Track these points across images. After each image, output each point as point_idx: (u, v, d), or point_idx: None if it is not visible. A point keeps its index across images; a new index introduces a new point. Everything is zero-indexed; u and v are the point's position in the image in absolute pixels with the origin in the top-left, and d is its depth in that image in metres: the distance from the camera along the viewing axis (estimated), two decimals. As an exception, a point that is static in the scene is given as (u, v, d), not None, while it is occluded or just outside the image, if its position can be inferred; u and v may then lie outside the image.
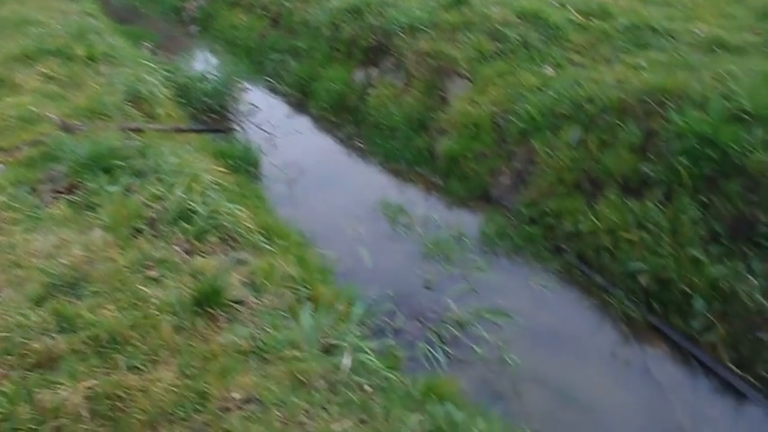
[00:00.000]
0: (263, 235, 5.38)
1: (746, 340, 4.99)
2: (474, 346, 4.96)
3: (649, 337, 5.24)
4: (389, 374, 3.97)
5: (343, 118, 9.24)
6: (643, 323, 5.32)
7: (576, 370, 4.86)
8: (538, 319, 5.32)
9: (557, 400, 4.57)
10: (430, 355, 4.83)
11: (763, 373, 4.84)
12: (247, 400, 3.48)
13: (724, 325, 5.07)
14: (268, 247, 5.18)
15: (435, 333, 5.07)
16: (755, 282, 5.08)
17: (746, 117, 5.68)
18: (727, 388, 4.84)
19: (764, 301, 4.98)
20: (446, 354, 4.87)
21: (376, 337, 4.72)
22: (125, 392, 3.35)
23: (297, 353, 3.82)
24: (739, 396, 4.78)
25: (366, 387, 3.75)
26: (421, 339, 4.99)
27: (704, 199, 5.62)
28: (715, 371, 4.95)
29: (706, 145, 5.70)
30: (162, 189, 5.18)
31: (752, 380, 4.85)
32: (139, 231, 4.70)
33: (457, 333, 5.10)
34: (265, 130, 8.82)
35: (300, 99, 10.08)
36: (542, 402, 4.52)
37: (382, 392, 3.74)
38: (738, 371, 4.91)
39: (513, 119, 7.20)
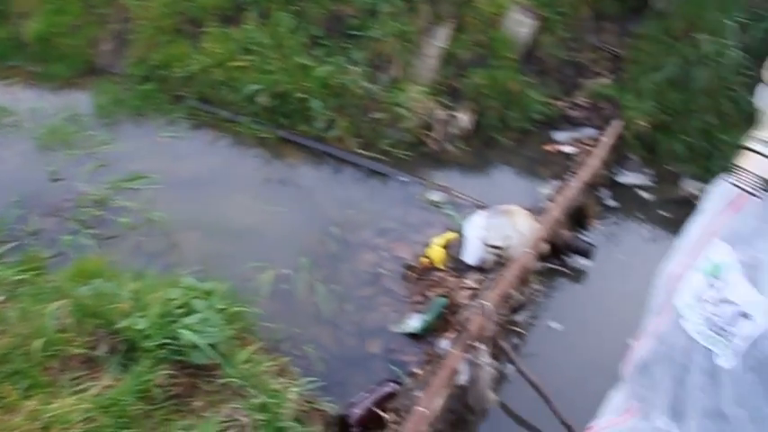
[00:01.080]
0: None
1: (364, 124, 5.39)
2: (119, 219, 4.76)
3: (286, 151, 5.43)
4: (25, 276, 3.68)
5: None
6: (276, 140, 5.48)
7: (226, 205, 4.91)
8: (177, 171, 5.23)
9: (214, 238, 4.62)
10: (76, 243, 4.56)
11: (386, 147, 5.32)
12: None
13: (343, 118, 5.42)
14: None
15: (76, 220, 4.77)
16: (358, 69, 5.43)
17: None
18: (364, 171, 5.24)
19: (369, 85, 5.37)
20: (93, 236, 4.63)
21: (6, 246, 4.33)
22: None
23: None
24: (374, 173, 5.21)
25: (-4, 298, 3.45)
26: (63, 232, 4.67)
27: (297, 8, 5.77)
28: (349, 160, 5.31)
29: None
30: None
31: (379, 156, 5.31)
32: None
33: (99, 212, 4.84)
34: None
35: None
36: (200, 246, 4.54)
37: (18, 297, 3.47)
38: (367, 152, 5.33)
39: (94, -20, 6.68)
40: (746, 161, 1.31)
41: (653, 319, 1.74)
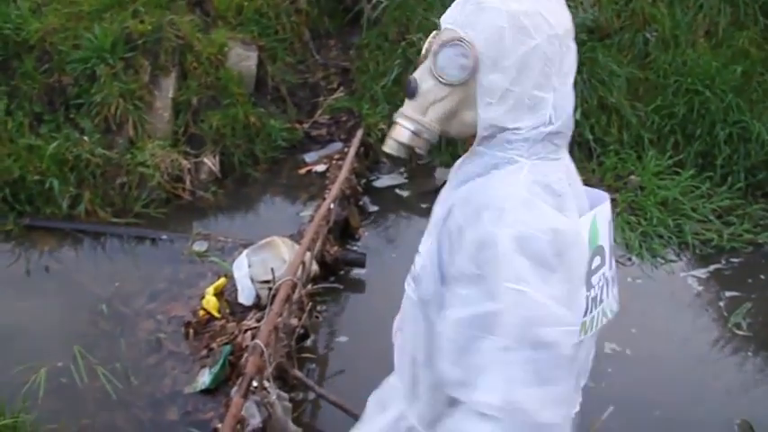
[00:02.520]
0: None
1: (112, 192, 5.24)
2: None
3: (37, 239, 5.10)
4: None
5: None
6: (21, 230, 5.09)
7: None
8: None
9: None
10: None
11: (140, 210, 5.22)
12: None
13: (88, 190, 5.19)
14: None
15: None
16: (91, 138, 5.28)
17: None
18: (124, 239, 5.10)
19: (106, 151, 5.24)
20: None
21: None
22: None
23: None
24: (136, 239, 5.08)
25: None
26: None
27: (7, 89, 5.50)
28: (106, 232, 5.14)
29: None
30: None
31: (136, 220, 5.20)
32: None
33: None
34: None
35: None
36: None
37: None
38: (122, 220, 5.19)
39: None
40: (393, 131, 1.66)
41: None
